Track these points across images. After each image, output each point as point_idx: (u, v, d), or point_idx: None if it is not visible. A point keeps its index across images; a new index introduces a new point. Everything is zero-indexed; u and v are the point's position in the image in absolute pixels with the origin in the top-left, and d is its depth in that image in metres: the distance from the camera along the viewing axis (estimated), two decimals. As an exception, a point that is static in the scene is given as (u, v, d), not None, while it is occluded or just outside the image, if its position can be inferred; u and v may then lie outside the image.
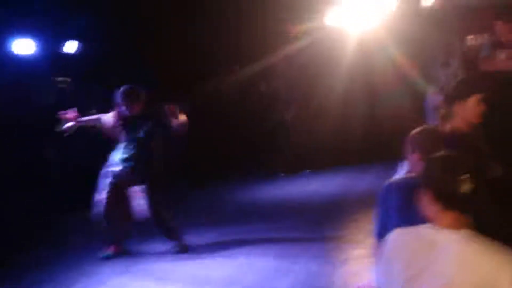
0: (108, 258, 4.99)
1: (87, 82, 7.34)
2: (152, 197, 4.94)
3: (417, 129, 2.76)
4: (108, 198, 4.92)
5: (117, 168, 4.98)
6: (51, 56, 7.45)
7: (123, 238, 5.15)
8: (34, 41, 7.13)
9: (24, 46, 7.05)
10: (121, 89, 4.92)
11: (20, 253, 5.53)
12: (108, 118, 5.08)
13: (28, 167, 7.11)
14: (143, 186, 4.98)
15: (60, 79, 7.43)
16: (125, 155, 4.97)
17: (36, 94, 7.51)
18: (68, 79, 6.85)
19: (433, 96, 5.36)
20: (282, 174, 8.16)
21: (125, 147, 4.99)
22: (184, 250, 4.98)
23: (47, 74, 7.60)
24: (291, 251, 4.72)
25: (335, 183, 7.14)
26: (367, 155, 7.70)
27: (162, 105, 4.94)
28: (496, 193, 2.74)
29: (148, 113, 4.98)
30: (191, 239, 5.22)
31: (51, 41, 7.44)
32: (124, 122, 4.99)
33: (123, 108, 4.94)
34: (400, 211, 2.41)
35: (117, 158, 5.01)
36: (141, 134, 4.95)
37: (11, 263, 5.26)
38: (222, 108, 8.88)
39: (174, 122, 4.90)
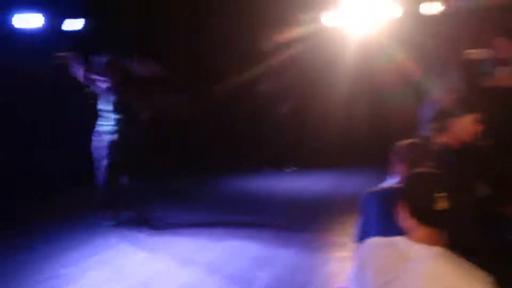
0: (113, 226, 5.29)
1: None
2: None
3: (407, 141, 2.81)
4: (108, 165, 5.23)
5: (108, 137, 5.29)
6: (56, 32, 7.45)
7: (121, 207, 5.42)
8: (43, 15, 7.12)
9: (30, 21, 7.04)
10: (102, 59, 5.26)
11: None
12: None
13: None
14: None
15: (60, 54, 7.40)
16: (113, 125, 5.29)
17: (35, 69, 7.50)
18: (68, 55, 6.86)
19: (430, 105, 5.39)
20: (267, 168, 8.15)
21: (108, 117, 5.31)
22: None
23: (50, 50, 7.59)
24: (274, 245, 4.80)
25: (326, 183, 7.18)
26: (363, 157, 7.73)
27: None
28: (481, 213, 2.81)
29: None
30: (179, 221, 5.45)
31: (57, 17, 7.44)
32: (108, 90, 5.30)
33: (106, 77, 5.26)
34: (380, 219, 2.48)
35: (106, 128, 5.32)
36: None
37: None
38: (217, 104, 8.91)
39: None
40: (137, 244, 4.96)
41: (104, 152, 5.31)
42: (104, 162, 5.30)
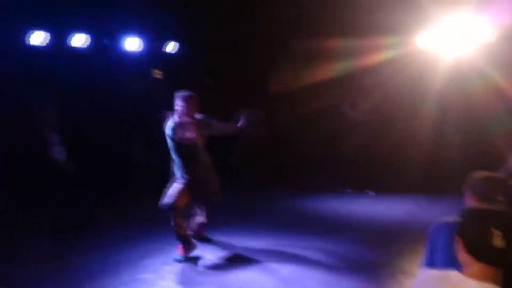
0: (179, 261, 5.06)
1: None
2: None
3: (482, 173, 2.73)
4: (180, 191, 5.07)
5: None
6: (153, 54, 8.07)
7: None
8: (141, 39, 7.76)
9: (132, 44, 7.70)
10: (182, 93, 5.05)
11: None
12: None
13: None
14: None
15: (155, 71, 7.97)
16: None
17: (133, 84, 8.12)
18: (161, 72, 7.44)
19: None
20: (349, 191, 8.07)
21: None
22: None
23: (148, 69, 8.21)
24: (342, 269, 4.76)
25: (405, 209, 6.94)
26: (449, 184, 7.41)
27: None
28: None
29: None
30: (251, 237, 5.56)
31: (154, 40, 8.06)
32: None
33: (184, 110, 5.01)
34: (445, 252, 2.44)
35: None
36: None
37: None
38: (297, 121, 9.02)
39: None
40: (208, 257, 5.13)
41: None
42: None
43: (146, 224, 6.13)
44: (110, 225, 6.36)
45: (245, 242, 5.52)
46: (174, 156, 5.07)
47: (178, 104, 4.92)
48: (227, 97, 8.52)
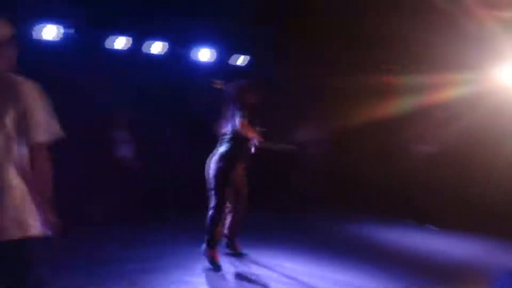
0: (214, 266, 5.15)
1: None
2: None
3: None
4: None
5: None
6: (223, 65, 8.45)
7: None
8: (213, 50, 8.16)
9: (205, 54, 8.13)
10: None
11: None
12: None
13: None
14: None
15: (217, 81, 8.29)
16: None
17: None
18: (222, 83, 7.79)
19: None
20: (410, 221, 7.90)
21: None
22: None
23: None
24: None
25: (468, 249, 6.52)
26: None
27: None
28: None
29: None
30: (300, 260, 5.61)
31: (225, 52, 8.43)
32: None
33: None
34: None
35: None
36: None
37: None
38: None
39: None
40: (254, 269, 5.26)
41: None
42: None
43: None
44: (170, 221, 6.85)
45: (286, 262, 5.52)
46: None
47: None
48: (290, 116, 8.75)
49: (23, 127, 2.39)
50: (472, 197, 7.90)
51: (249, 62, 8.74)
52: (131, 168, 7.36)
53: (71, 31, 6.57)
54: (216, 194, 5.17)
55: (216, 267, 5.10)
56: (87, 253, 5.43)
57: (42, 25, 6.33)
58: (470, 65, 7.39)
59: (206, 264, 5.17)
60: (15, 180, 2.40)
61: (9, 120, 2.37)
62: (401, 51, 8.20)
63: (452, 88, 7.87)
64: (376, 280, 5.01)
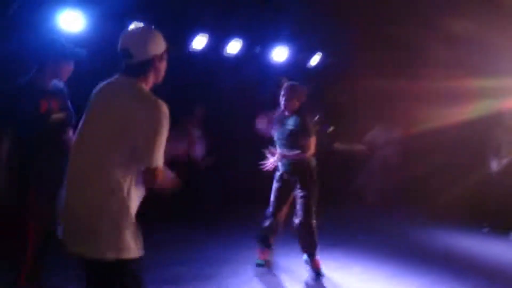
0: (260, 265, 5.23)
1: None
2: (306, 200, 5.02)
3: None
4: (274, 202, 5.18)
5: (279, 170, 5.17)
6: (299, 65, 8.37)
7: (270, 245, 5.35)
8: (289, 49, 8.09)
9: (280, 54, 8.07)
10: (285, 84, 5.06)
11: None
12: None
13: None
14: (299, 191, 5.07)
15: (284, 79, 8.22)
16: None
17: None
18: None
19: None
20: (486, 229, 7.63)
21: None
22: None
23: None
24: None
25: None
26: None
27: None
28: None
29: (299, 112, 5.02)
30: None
31: (301, 51, 8.34)
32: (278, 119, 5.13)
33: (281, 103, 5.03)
34: None
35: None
36: (289, 131, 5.01)
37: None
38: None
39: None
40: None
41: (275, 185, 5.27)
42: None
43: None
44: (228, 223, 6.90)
45: (354, 266, 5.54)
46: None
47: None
48: (360, 116, 8.61)
49: (138, 150, 2.42)
50: None
51: (324, 61, 8.62)
52: (204, 166, 7.44)
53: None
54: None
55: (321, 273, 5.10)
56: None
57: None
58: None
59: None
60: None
61: (129, 141, 2.41)
62: (475, 53, 7.84)
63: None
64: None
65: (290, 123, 5.02)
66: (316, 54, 8.56)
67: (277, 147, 5.14)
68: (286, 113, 5.08)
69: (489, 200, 7.68)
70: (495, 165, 7.63)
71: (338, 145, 8.82)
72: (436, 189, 8.44)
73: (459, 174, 8.20)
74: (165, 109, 2.45)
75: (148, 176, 2.46)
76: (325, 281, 5.05)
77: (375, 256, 5.99)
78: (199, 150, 7.56)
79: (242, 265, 5.35)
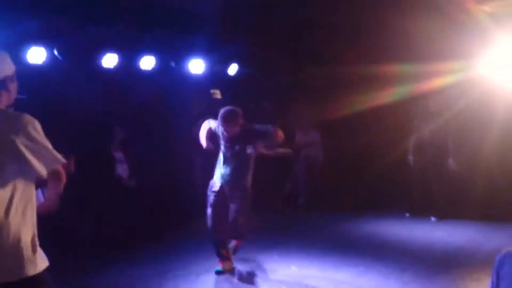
0: (219, 273, 5.29)
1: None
2: (241, 208, 5.23)
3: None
4: (212, 213, 5.24)
5: (218, 184, 5.28)
6: (215, 76, 8.37)
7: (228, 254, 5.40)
8: (205, 61, 8.07)
9: (196, 66, 8.04)
10: (221, 111, 5.16)
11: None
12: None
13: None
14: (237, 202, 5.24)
15: (215, 91, 8.23)
16: (225, 171, 5.26)
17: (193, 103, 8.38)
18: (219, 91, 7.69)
19: None
20: (407, 215, 7.99)
21: (224, 164, 5.26)
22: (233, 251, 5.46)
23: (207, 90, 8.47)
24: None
25: (466, 235, 6.77)
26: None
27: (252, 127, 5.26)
28: None
29: (243, 134, 5.19)
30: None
31: (216, 62, 8.34)
32: (226, 141, 5.24)
33: (223, 129, 5.18)
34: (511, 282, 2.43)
35: (218, 174, 5.31)
36: (238, 152, 5.19)
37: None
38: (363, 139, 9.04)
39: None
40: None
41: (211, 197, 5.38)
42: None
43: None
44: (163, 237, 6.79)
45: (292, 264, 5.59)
46: None
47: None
48: (285, 120, 8.69)
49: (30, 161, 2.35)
50: (459, 187, 7.98)
51: (241, 71, 8.68)
52: (129, 187, 7.21)
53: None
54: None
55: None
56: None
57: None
58: (459, 53, 7.41)
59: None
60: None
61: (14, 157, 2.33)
62: (394, 41, 8.18)
63: (441, 78, 7.89)
64: (389, 269, 5.33)
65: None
66: (232, 64, 8.58)
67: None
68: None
69: (411, 187, 8.00)
70: (411, 161, 7.97)
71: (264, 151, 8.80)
72: (357, 180, 8.77)
73: (377, 160, 8.53)
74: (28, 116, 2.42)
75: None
76: (264, 283, 5.04)
77: (309, 254, 6.06)
78: (122, 171, 7.32)
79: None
